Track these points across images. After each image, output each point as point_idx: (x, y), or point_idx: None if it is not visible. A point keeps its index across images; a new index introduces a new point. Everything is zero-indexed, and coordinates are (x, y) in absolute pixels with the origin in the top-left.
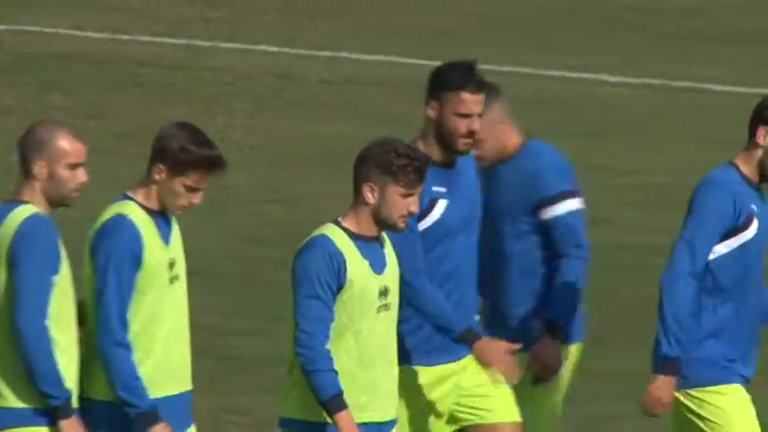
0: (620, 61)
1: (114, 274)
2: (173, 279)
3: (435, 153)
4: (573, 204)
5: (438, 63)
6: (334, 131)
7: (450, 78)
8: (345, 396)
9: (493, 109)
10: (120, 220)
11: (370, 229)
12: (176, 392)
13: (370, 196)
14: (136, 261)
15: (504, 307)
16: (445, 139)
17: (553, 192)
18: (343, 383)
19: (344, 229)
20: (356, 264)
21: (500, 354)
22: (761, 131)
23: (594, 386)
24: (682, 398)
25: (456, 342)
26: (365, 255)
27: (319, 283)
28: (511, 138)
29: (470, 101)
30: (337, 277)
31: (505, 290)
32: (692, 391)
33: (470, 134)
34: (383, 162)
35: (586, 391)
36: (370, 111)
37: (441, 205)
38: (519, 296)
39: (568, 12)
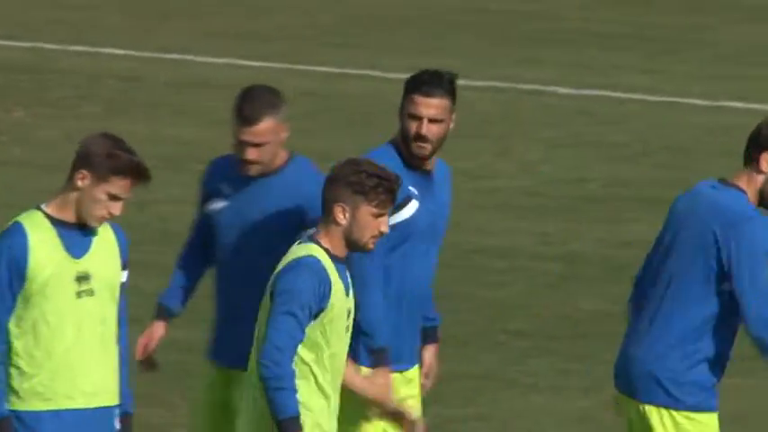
0: (466, 64)
1: None
2: (82, 293)
3: (406, 154)
4: None
5: (285, 66)
6: (181, 134)
7: (410, 81)
8: (315, 421)
9: (275, 116)
10: (13, 228)
11: (342, 251)
12: (81, 407)
13: (342, 217)
14: (19, 271)
15: None
16: (404, 141)
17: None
18: (314, 406)
19: (325, 250)
20: (337, 287)
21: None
22: (764, 158)
23: (440, 388)
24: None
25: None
26: (341, 277)
27: (301, 303)
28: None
29: (420, 103)
30: (320, 301)
31: None
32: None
33: (418, 137)
34: (354, 182)
35: (432, 394)
36: (218, 114)
37: (413, 205)
38: None
39: (410, 13)
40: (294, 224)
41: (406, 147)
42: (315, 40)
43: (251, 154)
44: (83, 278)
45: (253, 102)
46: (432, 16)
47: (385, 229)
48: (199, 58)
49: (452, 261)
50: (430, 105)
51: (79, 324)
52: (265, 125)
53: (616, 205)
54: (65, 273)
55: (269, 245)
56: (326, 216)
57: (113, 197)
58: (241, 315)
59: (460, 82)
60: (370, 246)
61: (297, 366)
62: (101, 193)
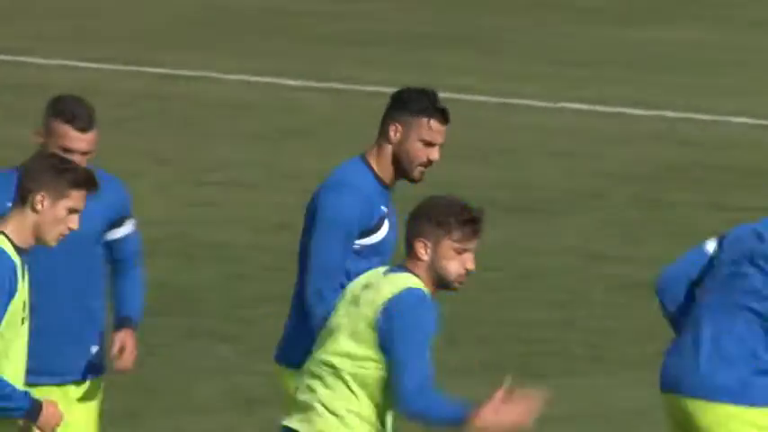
0: (302, 65)
1: None
2: (24, 319)
3: (387, 174)
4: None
5: (118, 68)
6: (18, 136)
7: (420, 103)
8: None
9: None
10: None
11: (430, 286)
12: None
13: (423, 252)
14: (10, 296)
15: None
16: (403, 163)
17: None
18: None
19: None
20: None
21: None
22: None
23: (278, 392)
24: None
25: None
26: None
27: (428, 339)
28: None
29: (439, 131)
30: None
31: None
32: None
33: (429, 163)
34: (435, 217)
35: (270, 396)
36: None
37: (386, 224)
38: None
39: (248, 15)
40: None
41: (405, 170)
42: (147, 41)
43: (81, 162)
44: (25, 304)
45: (85, 108)
46: (269, 18)
47: (471, 266)
48: (32, 60)
49: (284, 264)
50: (444, 132)
51: (21, 350)
52: (94, 134)
53: None
54: (22, 298)
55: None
56: (409, 251)
57: (72, 211)
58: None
59: (295, 83)
60: (456, 285)
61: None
62: (61, 210)
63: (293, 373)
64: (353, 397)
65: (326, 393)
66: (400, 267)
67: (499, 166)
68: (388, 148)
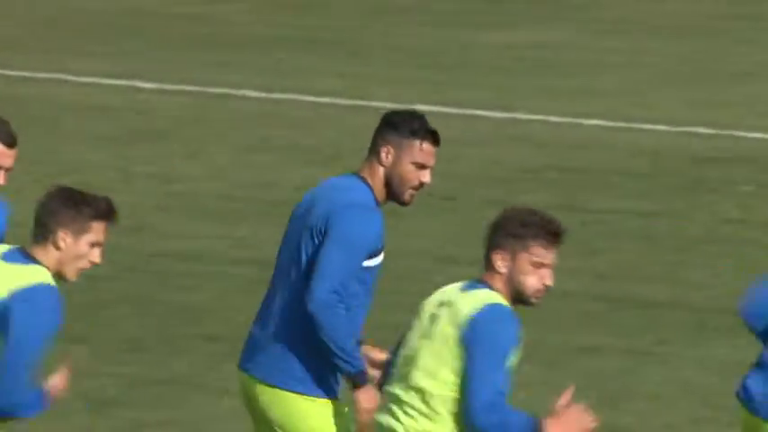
0: (157, 68)
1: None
2: None
3: (380, 195)
4: None
5: None
6: None
7: (413, 126)
8: None
9: None
10: (53, 288)
11: (510, 300)
12: None
13: (501, 265)
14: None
15: None
16: (394, 186)
17: None
18: None
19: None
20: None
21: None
22: None
23: (131, 392)
24: None
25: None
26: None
27: (506, 355)
28: None
29: (431, 153)
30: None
31: None
32: None
33: (421, 186)
34: (514, 230)
35: (123, 396)
36: None
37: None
38: None
39: (103, 17)
40: None
41: (393, 189)
42: (0, 43)
43: (4, 179)
44: None
45: (7, 123)
46: (125, 20)
47: (549, 281)
48: None
49: (139, 265)
50: (435, 154)
51: None
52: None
53: None
54: None
55: None
56: (487, 264)
57: (95, 244)
58: None
59: (150, 86)
60: (533, 300)
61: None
62: (84, 245)
63: (318, 401)
64: (439, 419)
65: (412, 419)
66: (478, 282)
67: (351, 168)
68: (381, 170)
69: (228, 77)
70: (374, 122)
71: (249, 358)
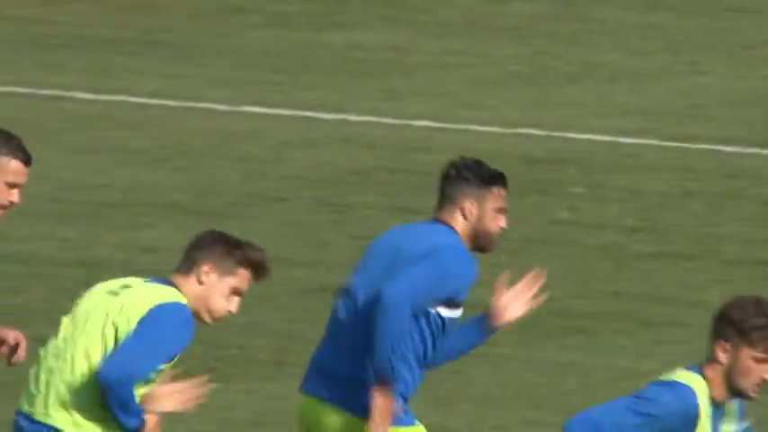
0: None
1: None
2: None
3: (476, 249)
4: None
5: None
6: None
7: (486, 174)
8: None
9: None
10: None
11: (721, 394)
12: None
13: (722, 355)
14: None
15: None
16: (480, 238)
17: None
18: None
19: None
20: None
21: None
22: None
23: None
24: None
25: None
26: (711, 423)
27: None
28: None
29: (506, 197)
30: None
31: None
32: None
33: (501, 230)
34: (738, 322)
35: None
36: None
37: None
38: None
39: None
40: None
41: (479, 241)
42: None
43: (19, 198)
44: None
45: (21, 140)
46: None
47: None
48: None
49: None
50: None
51: None
52: None
53: (136, 210)
54: None
55: None
56: (709, 353)
57: (236, 292)
58: None
59: None
60: (752, 394)
61: None
62: (226, 288)
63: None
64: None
65: None
66: (695, 368)
67: (182, 170)
68: (466, 225)
69: (59, 79)
70: (203, 123)
71: (314, 380)
